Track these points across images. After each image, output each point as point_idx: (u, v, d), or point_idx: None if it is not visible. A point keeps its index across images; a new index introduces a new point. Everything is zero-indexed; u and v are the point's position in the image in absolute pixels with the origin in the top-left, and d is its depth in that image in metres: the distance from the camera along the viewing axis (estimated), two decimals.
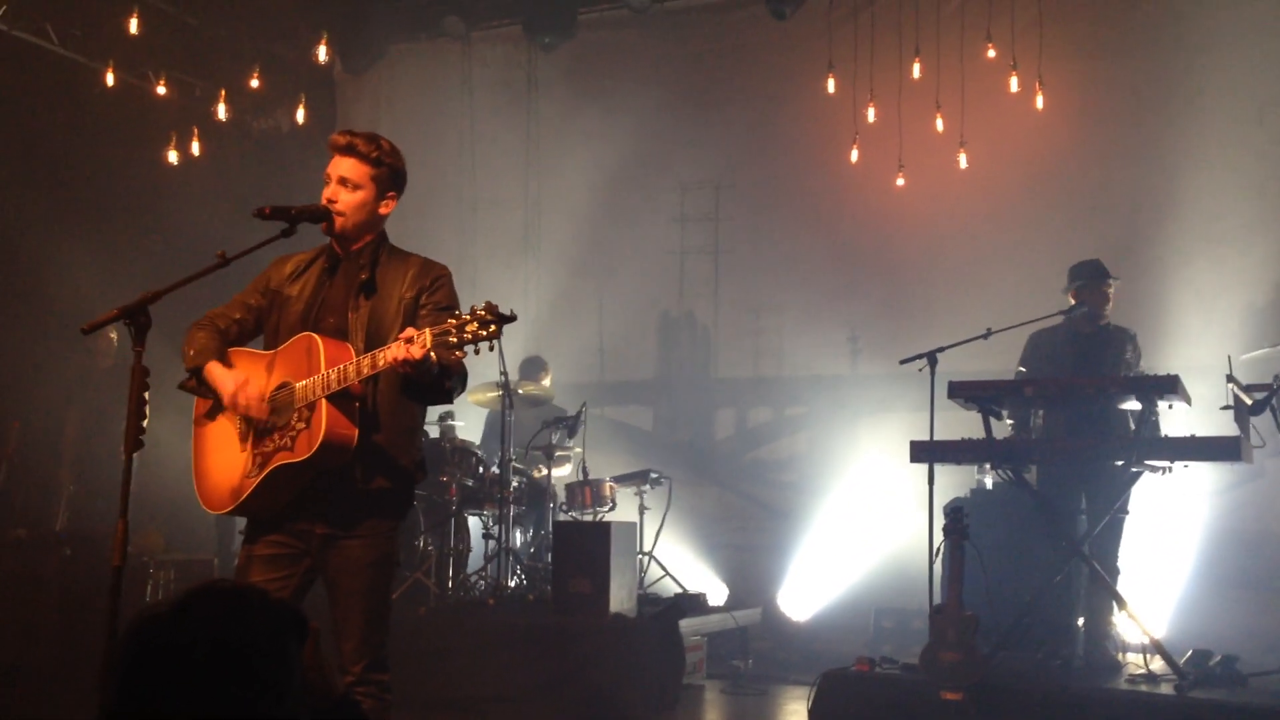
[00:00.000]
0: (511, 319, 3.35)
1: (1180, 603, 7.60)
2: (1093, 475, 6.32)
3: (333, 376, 3.52)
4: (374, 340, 3.67)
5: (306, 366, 3.60)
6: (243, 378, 3.69)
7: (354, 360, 3.54)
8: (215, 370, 3.73)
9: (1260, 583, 7.50)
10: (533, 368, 9.38)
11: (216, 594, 1.90)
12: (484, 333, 3.32)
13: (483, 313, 3.33)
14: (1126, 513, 6.39)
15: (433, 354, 3.39)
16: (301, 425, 3.56)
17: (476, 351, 3.41)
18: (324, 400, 3.53)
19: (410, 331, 3.40)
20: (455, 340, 3.32)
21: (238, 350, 3.85)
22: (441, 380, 3.62)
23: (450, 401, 3.85)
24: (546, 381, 9.39)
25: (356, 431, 3.59)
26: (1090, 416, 6.48)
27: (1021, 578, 6.40)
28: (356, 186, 3.78)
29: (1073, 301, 6.91)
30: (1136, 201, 8.91)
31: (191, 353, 3.77)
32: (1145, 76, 8.96)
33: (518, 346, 9.60)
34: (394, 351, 3.39)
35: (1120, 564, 6.45)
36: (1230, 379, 6.06)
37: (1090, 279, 6.88)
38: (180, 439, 4.32)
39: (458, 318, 3.35)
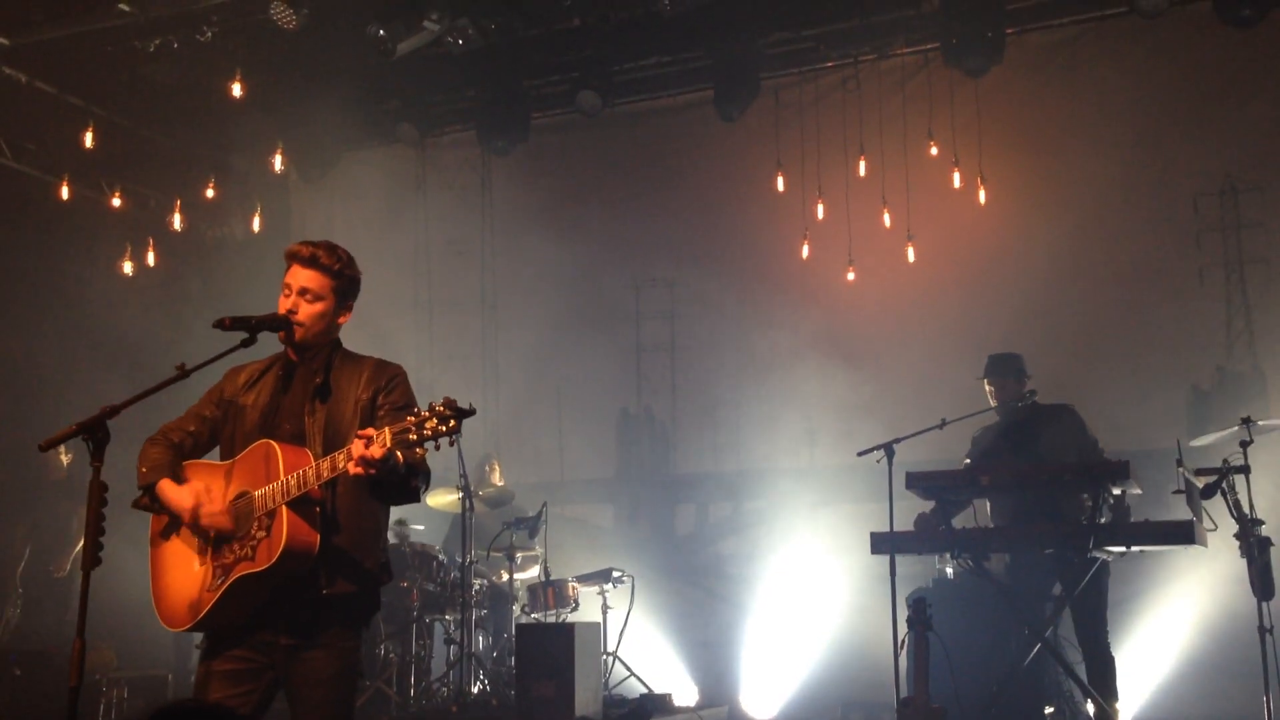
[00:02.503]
0: (470, 413, 3.34)
1: (1146, 685, 7.62)
2: (1062, 563, 6.35)
3: (292, 482, 3.49)
4: (332, 444, 3.65)
5: (265, 474, 3.58)
6: (201, 488, 3.65)
7: (313, 465, 3.52)
8: (168, 489, 3.68)
9: (1218, 665, 7.51)
10: (478, 467, 9.30)
11: (183, 715, 1.87)
12: (444, 428, 3.30)
13: (441, 408, 3.32)
14: (1105, 600, 6.44)
15: (397, 453, 3.39)
16: (262, 534, 3.52)
17: (437, 447, 3.38)
18: (284, 507, 3.50)
19: (369, 431, 3.38)
20: (415, 438, 3.30)
21: (193, 463, 3.82)
22: (408, 479, 3.59)
23: (418, 500, 3.81)
24: (497, 477, 9.36)
25: (318, 537, 3.55)
26: (1039, 503, 6.53)
27: (987, 667, 6.39)
28: (317, 297, 3.79)
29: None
30: (1077, 290, 9.11)
31: (144, 469, 3.73)
32: (1081, 169, 9.22)
33: (477, 446, 9.57)
34: (355, 451, 3.36)
35: (1118, 650, 6.46)
36: (1180, 463, 6.15)
37: (984, 374, 7.04)
38: (132, 552, 4.27)
39: (417, 414, 3.33)
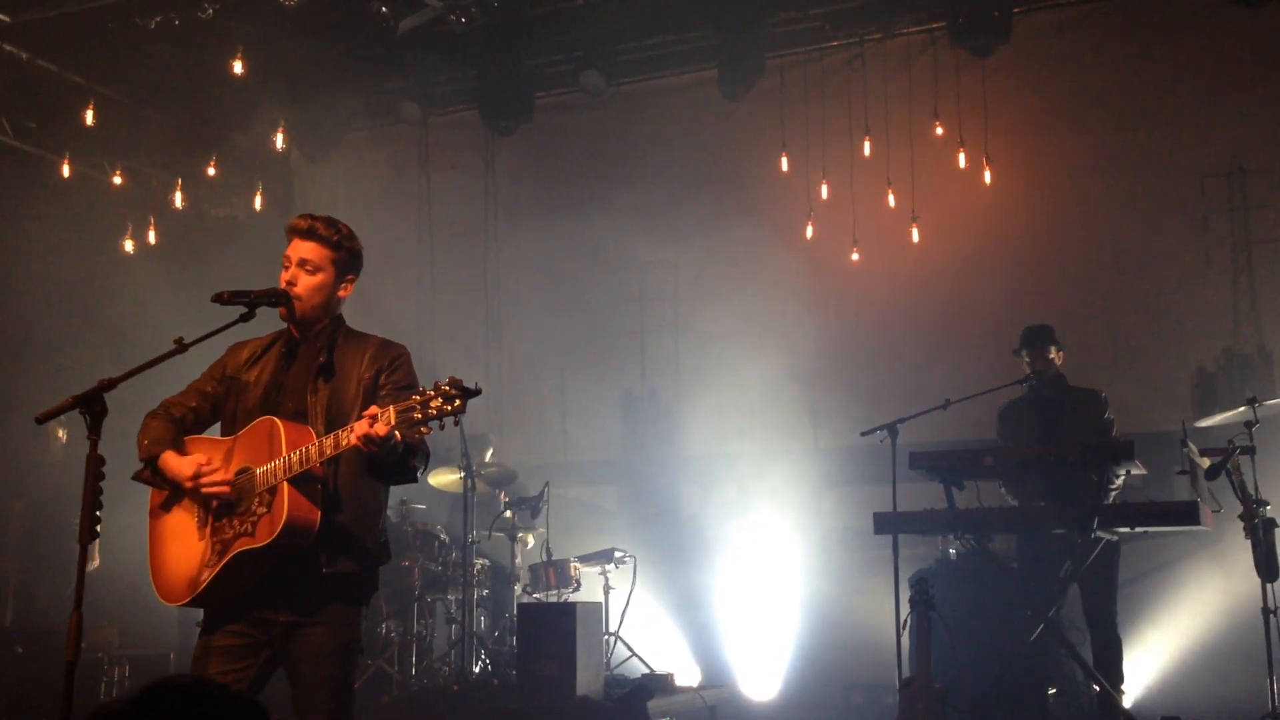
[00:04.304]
0: (476, 393, 3.32)
1: (1149, 668, 7.61)
2: (1072, 544, 6.31)
3: (294, 459, 3.48)
4: (334, 422, 3.64)
5: (267, 451, 3.56)
6: (203, 458, 3.64)
7: (315, 441, 3.50)
8: (170, 458, 3.67)
9: (1222, 647, 7.50)
10: (476, 446, 9.22)
11: (174, 690, 1.86)
12: (449, 407, 3.28)
13: (446, 387, 3.30)
14: (1114, 582, 6.43)
15: (397, 432, 3.37)
16: (263, 510, 3.51)
17: (441, 427, 3.37)
18: (285, 483, 3.48)
19: (374, 409, 3.37)
20: (420, 416, 3.29)
21: (194, 438, 3.80)
22: (406, 459, 3.58)
23: (415, 480, 3.80)
24: (489, 456, 9.32)
25: (319, 514, 3.53)
26: (1057, 484, 6.49)
27: (990, 648, 6.38)
28: (316, 269, 3.78)
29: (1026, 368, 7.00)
30: (1084, 272, 9.07)
31: (146, 442, 3.72)
32: (1088, 150, 9.17)
33: (480, 428, 9.55)
34: (360, 429, 3.35)
35: (1121, 633, 6.46)
36: (1185, 444, 6.12)
37: (1021, 346, 7.00)
38: (135, 531, 4.25)
39: (421, 393, 3.31)
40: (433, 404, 3.28)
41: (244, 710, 1.89)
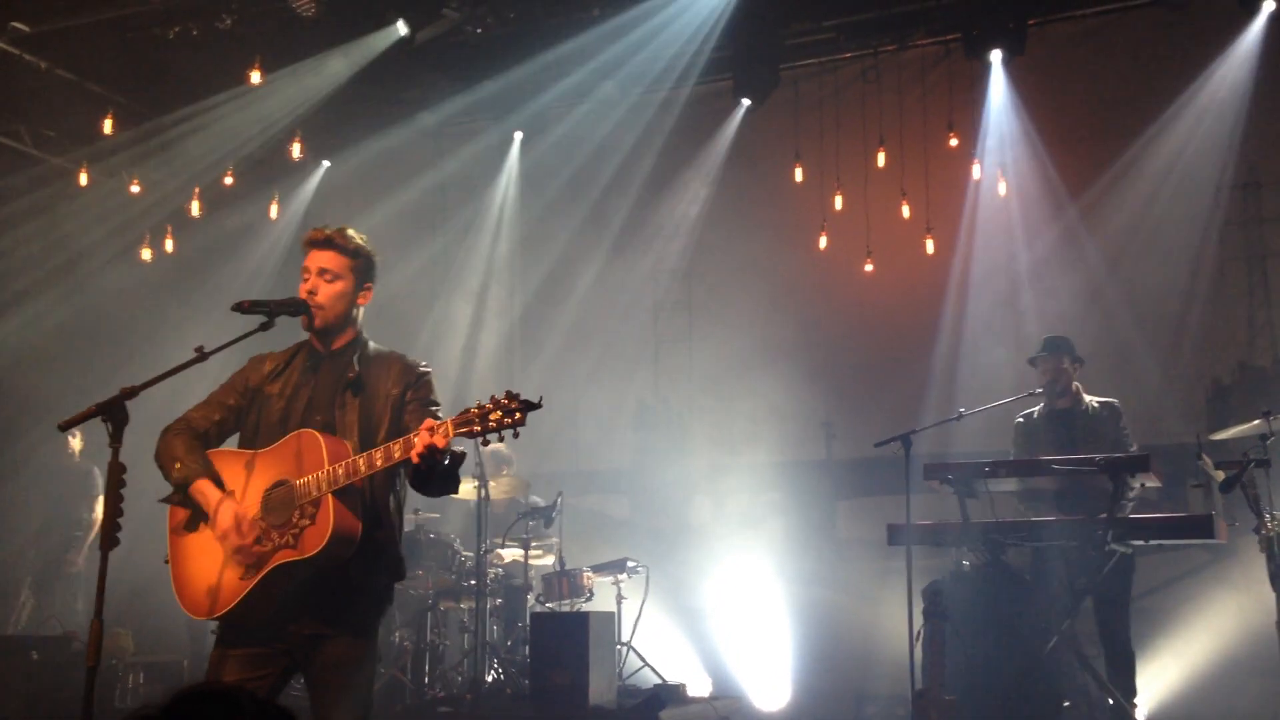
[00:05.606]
0: (537, 406, 3.35)
1: (1163, 682, 7.58)
2: (1085, 557, 6.29)
3: (339, 472, 3.48)
4: (367, 436, 3.66)
5: (308, 463, 3.54)
6: (237, 512, 3.56)
7: (363, 455, 3.50)
8: (207, 490, 3.63)
9: (1236, 661, 7.47)
10: (495, 463, 9.19)
11: (206, 697, 1.87)
12: (509, 420, 3.31)
13: (506, 401, 3.34)
14: (1128, 595, 6.41)
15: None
16: (305, 522, 3.49)
17: (500, 438, 3.39)
18: (330, 495, 3.48)
19: (430, 422, 3.40)
20: (479, 430, 3.33)
21: (219, 451, 3.77)
22: (452, 469, 3.60)
23: (457, 491, 3.83)
24: (507, 472, 9.29)
25: (361, 525, 3.55)
26: (1072, 496, 6.47)
27: (1004, 659, 6.35)
28: (336, 277, 3.80)
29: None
30: (1098, 283, 9.06)
31: (177, 465, 3.67)
32: (1102, 162, 9.17)
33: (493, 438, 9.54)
34: (421, 442, 3.36)
35: (1135, 646, 6.44)
36: (1200, 457, 6.10)
37: (1036, 354, 6.96)
38: (148, 537, 4.26)
39: (480, 407, 3.35)
40: (491, 417, 3.32)
41: (273, 716, 1.90)
